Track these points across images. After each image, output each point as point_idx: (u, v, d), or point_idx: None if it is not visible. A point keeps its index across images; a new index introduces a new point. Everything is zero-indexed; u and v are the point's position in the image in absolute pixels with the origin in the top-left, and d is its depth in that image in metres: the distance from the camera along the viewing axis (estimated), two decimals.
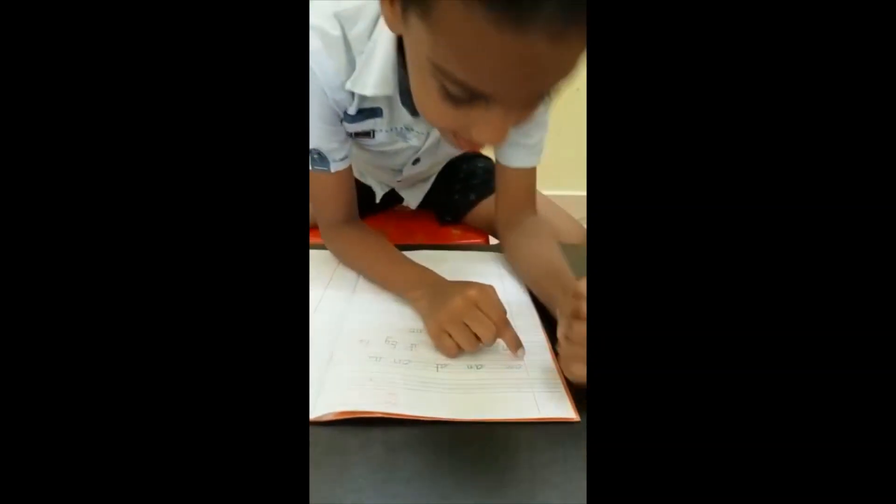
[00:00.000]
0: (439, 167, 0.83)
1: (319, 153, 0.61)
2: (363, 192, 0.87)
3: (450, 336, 0.47)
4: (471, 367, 0.46)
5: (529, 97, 0.35)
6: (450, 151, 0.72)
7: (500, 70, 0.31)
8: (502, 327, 0.46)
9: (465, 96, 0.34)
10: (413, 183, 0.87)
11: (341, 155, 0.62)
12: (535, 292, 0.58)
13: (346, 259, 0.65)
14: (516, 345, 0.47)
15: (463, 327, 0.46)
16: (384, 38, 0.50)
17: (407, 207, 0.91)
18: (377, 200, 0.88)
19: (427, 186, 0.89)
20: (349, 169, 0.64)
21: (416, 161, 0.73)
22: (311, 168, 0.62)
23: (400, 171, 0.77)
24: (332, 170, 0.62)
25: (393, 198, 0.90)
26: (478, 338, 0.46)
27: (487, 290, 0.48)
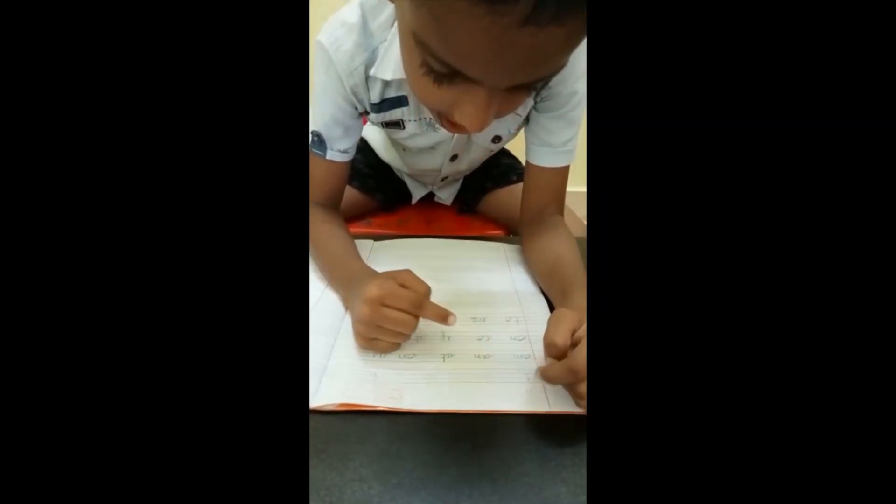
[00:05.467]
0: (477, 164, 0.83)
1: (320, 136, 0.61)
2: (400, 187, 0.88)
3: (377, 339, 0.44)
4: (478, 357, 0.45)
5: (509, 83, 0.33)
6: (484, 146, 0.71)
7: (475, 50, 0.30)
8: (418, 310, 0.43)
9: (446, 72, 0.32)
10: (449, 182, 0.87)
11: (341, 146, 0.61)
12: (542, 286, 0.56)
13: None
14: (442, 315, 0.43)
15: (382, 331, 0.43)
16: None
17: (429, 197, 0.90)
18: (413, 202, 0.88)
19: (459, 185, 0.89)
20: (345, 165, 0.64)
21: (454, 158, 0.73)
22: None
23: (440, 170, 0.77)
24: (327, 157, 0.61)
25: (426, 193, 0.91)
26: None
27: (391, 279, 0.44)
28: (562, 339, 0.37)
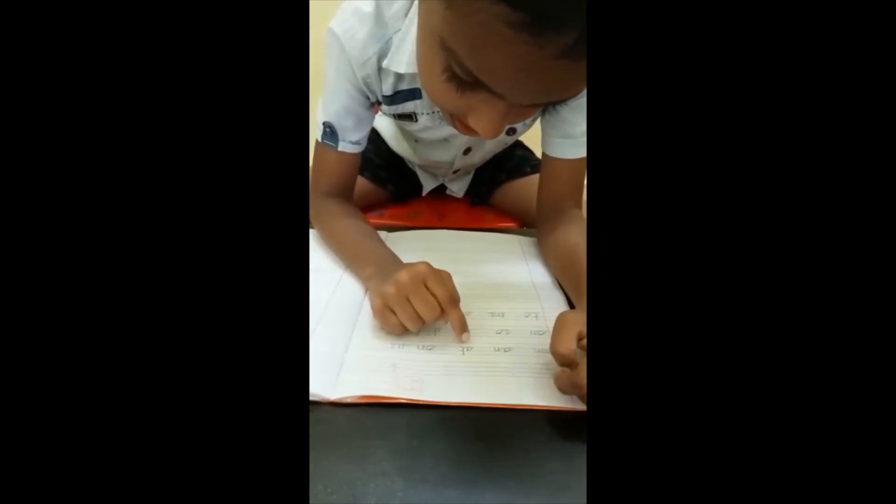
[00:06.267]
0: (490, 157, 0.82)
1: (332, 128, 0.60)
2: (411, 179, 0.87)
3: (394, 314, 0.44)
4: (498, 350, 0.44)
5: (531, 102, 0.34)
6: (499, 139, 0.71)
7: (508, 71, 0.30)
8: (448, 307, 0.43)
9: (469, 81, 0.32)
10: (461, 175, 0.86)
11: (353, 138, 0.61)
12: (558, 279, 0.56)
13: (321, 231, 0.62)
14: (461, 328, 0.44)
15: (406, 304, 0.43)
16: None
17: (441, 189, 0.90)
18: (423, 194, 0.88)
19: (470, 177, 0.88)
20: (356, 157, 0.63)
21: (468, 151, 0.73)
22: (320, 140, 0.61)
23: (452, 162, 0.76)
24: (339, 148, 0.61)
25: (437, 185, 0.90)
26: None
27: (438, 270, 0.45)
28: (565, 347, 0.36)
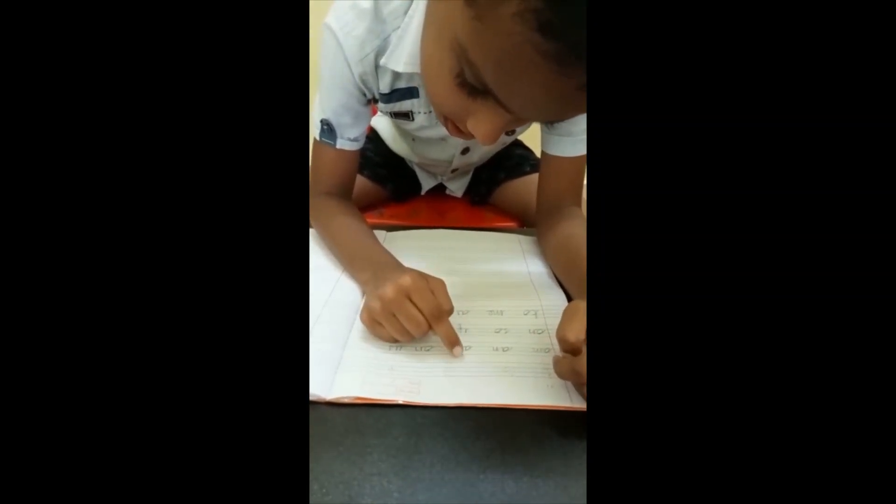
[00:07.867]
0: (489, 156, 0.82)
1: (329, 125, 0.59)
2: (410, 178, 0.87)
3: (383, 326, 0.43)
4: (497, 350, 0.44)
5: (541, 120, 0.34)
6: (501, 140, 0.70)
7: (528, 94, 0.29)
8: (435, 321, 0.42)
9: (480, 88, 0.32)
10: (459, 174, 0.86)
11: (351, 134, 0.60)
12: (560, 279, 0.55)
13: (319, 231, 0.61)
14: (451, 342, 0.42)
15: (393, 319, 0.42)
16: (419, 14, 0.49)
17: (441, 189, 0.90)
18: (422, 192, 0.88)
19: (469, 177, 0.88)
20: (355, 154, 0.63)
21: (466, 151, 0.72)
22: (318, 138, 0.61)
23: (450, 161, 0.76)
24: (337, 146, 0.60)
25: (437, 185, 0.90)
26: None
27: (425, 280, 0.44)
28: (574, 334, 0.36)
